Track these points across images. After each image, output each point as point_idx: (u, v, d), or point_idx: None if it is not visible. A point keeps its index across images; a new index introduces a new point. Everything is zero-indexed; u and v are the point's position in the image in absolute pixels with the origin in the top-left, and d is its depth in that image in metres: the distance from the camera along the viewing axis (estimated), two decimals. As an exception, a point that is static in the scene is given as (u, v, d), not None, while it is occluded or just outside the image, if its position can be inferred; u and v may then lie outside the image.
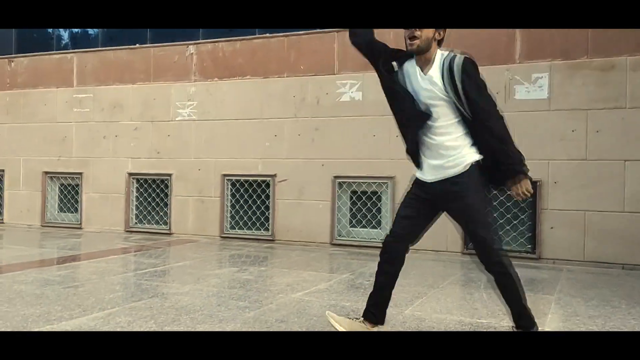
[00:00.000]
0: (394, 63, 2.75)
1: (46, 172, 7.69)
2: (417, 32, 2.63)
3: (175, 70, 7.06)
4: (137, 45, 7.32)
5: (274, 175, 6.55)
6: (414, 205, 2.74)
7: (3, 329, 2.76)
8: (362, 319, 2.75)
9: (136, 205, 7.30)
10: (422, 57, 2.67)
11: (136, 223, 7.26)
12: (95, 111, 7.45)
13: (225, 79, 6.82)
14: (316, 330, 2.89)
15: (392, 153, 5.96)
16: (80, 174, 7.50)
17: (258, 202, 6.70)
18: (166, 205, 7.11)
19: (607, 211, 5.25)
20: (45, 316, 3.02)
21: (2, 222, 7.88)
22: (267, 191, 6.62)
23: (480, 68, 2.73)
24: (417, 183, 2.77)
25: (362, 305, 2.90)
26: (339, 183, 6.31)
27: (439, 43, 2.75)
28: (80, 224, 7.46)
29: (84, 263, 4.88)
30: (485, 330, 3.03)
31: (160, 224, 7.13)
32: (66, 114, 7.59)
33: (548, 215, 5.46)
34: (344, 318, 2.76)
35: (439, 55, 2.70)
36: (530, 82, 5.53)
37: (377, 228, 6.18)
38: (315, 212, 6.33)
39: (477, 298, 3.81)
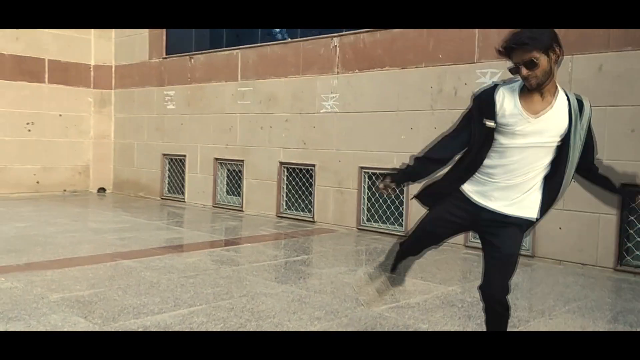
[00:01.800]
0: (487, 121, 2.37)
1: (216, 159, 8.59)
2: (532, 74, 2.21)
3: (320, 63, 7.24)
4: (289, 39, 7.66)
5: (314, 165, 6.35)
6: (449, 226, 2.56)
7: (97, 319, 3.23)
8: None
9: (286, 192, 7.76)
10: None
11: (286, 209, 7.73)
12: (254, 103, 8.05)
13: (365, 70, 6.78)
14: None
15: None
16: (242, 161, 8.21)
17: (393, 197, 6.59)
18: (310, 194, 7.42)
19: None
20: (139, 308, 3.45)
21: (184, 201, 9.06)
22: (402, 185, 6.46)
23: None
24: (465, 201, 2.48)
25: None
26: (476, 181, 5.86)
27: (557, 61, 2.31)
28: (242, 206, 8.20)
29: (216, 251, 5.39)
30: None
31: (305, 212, 7.48)
32: (232, 106, 8.34)
33: None
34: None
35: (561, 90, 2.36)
36: None
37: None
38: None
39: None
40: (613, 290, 4.41)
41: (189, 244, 5.60)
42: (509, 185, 2.39)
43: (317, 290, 4.06)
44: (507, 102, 2.33)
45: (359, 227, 6.83)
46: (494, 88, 2.39)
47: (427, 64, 6.22)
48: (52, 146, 9.82)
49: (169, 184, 9.50)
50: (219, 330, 3.12)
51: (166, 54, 9.41)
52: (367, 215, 6.86)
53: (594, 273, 4.91)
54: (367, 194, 6.85)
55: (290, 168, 7.69)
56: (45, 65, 9.71)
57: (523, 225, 2.44)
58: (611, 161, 4.95)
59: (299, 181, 7.62)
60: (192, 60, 8.97)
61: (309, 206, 7.45)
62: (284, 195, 7.78)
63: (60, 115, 9.92)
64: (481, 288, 2.48)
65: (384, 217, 6.69)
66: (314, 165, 7.33)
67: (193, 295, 3.79)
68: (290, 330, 3.18)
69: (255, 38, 8.18)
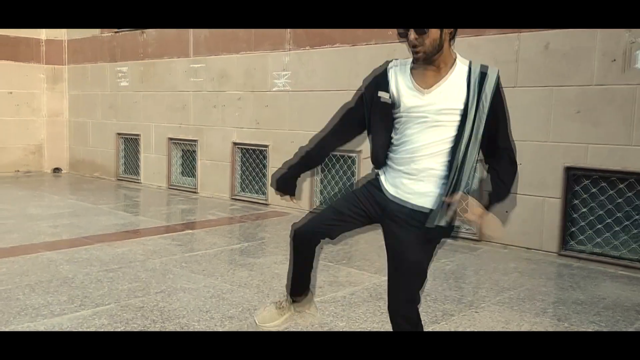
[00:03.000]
0: (382, 93, 2.17)
1: (170, 139, 8.30)
2: (419, 40, 2.01)
3: (272, 38, 6.93)
4: (240, 14, 7.31)
5: (360, 152, 6.15)
6: (356, 211, 2.25)
7: (-8, 322, 3.02)
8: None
9: (240, 174, 7.53)
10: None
11: (240, 191, 7.51)
12: (207, 80, 7.74)
13: (316, 47, 6.50)
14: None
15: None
16: (196, 141, 7.94)
17: (345, 179, 6.41)
18: (264, 175, 7.20)
19: None
20: (39, 310, 3.24)
21: (140, 182, 8.79)
22: (353, 168, 6.29)
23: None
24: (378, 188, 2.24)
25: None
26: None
27: (452, 36, 2.10)
28: (197, 188, 7.96)
29: (152, 239, 5.17)
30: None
31: (259, 194, 7.27)
32: (185, 83, 8.01)
33: (672, 219, 4.26)
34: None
35: (461, 60, 2.12)
36: (660, 46, 4.23)
37: (463, 216, 5.48)
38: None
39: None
40: (551, 278, 4.29)
41: (125, 232, 5.37)
42: (415, 172, 2.14)
43: (243, 283, 3.87)
44: (399, 77, 2.15)
45: (313, 210, 6.62)
46: (386, 65, 2.21)
47: (378, 40, 5.96)
48: (2, 125, 9.44)
49: (124, 164, 9.20)
50: (120, 332, 2.93)
51: (117, 28, 9.01)
52: (320, 197, 6.68)
53: (538, 258, 4.79)
54: (321, 175, 6.65)
55: (244, 149, 7.45)
56: (-8, 40, 9.26)
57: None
58: (556, 143, 4.83)
59: (252, 162, 7.39)
60: (144, 34, 8.59)
61: (263, 188, 7.24)
62: (238, 177, 7.55)
63: (10, 93, 9.52)
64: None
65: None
66: (267, 146, 7.09)
67: (105, 292, 3.58)
68: (197, 330, 3.00)
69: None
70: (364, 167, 6.10)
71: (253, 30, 7.10)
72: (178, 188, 8.21)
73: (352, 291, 3.79)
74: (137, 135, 8.78)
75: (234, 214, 6.60)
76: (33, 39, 9.70)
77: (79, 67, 9.76)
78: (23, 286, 3.63)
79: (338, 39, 6.28)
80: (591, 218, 4.68)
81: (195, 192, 7.94)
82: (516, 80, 4.99)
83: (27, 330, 2.93)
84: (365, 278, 4.09)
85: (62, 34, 9.91)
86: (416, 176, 2.13)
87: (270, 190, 7.02)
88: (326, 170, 6.59)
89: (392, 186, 2.19)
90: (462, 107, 2.06)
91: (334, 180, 6.52)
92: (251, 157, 7.38)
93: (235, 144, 7.46)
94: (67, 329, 2.95)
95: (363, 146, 6.13)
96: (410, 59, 2.15)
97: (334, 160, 6.49)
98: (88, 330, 2.96)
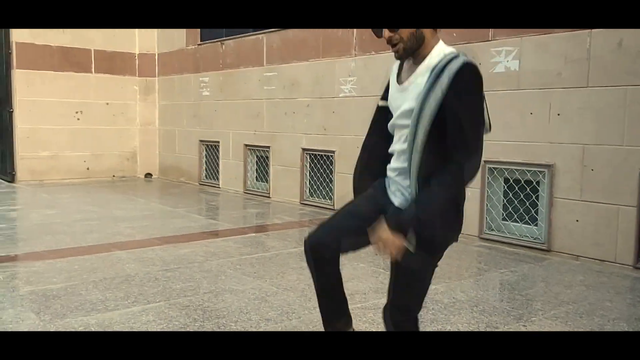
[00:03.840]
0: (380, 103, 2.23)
1: (246, 145, 8.62)
2: (395, 36, 1.96)
3: (339, 45, 7.00)
4: (310, 22, 7.45)
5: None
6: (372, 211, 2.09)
7: (48, 315, 3.31)
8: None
9: (309, 179, 7.65)
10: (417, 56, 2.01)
11: (309, 196, 7.63)
12: (279, 88, 7.95)
13: (380, 52, 6.47)
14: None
15: (552, 136, 4.90)
16: (269, 147, 8.18)
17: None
18: (331, 181, 7.26)
19: None
20: (95, 305, 3.51)
21: (219, 187, 9.19)
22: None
23: None
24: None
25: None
26: (490, 169, 5.46)
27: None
28: (269, 193, 8.19)
29: (215, 241, 5.40)
30: None
31: (327, 199, 7.34)
32: (259, 92, 8.29)
33: None
34: None
35: (437, 52, 1.99)
36: None
37: (530, 224, 5.19)
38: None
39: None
40: (620, 292, 3.95)
41: (193, 234, 5.65)
42: (402, 173, 2.08)
43: (289, 287, 3.94)
44: (392, 76, 2.14)
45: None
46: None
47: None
48: (100, 134, 10.28)
49: (206, 169, 9.67)
50: (159, 330, 3.10)
51: (201, 41, 9.51)
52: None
53: (610, 270, 4.44)
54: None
55: (312, 154, 7.56)
56: (91, 55, 10.13)
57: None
58: (631, 147, 4.45)
59: (320, 167, 7.48)
60: (224, 46, 9.00)
61: (330, 193, 7.30)
62: (307, 182, 7.68)
63: (107, 103, 10.35)
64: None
65: (400, 206, 6.42)
66: (333, 152, 7.16)
67: (159, 290, 3.80)
68: (233, 330, 3.10)
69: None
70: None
71: (321, 37, 7.21)
72: (253, 193, 8.49)
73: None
74: (217, 142, 9.20)
75: (300, 218, 6.72)
76: (128, 54, 10.48)
77: (167, 79, 10.41)
78: (88, 282, 3.94)
79: (402, 43, 6.21)
80: (671, 229, 4.26)
81: (268, 197, 8.17)
82: (587, 80, 4.67)
83: (80, 323, 3.19)
84: (413, 286, 4.00)
85: (153, 48, 10.62)
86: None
87: (336, 195, 7.07)
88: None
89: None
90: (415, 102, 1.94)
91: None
92: (319, 163, 7.48)
93: (304, 149, 7.59)
94: (116, 324, 3.17)
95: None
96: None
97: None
98: (134, 326, 3.16)
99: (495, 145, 5.32)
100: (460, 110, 1.88)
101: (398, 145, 2.08)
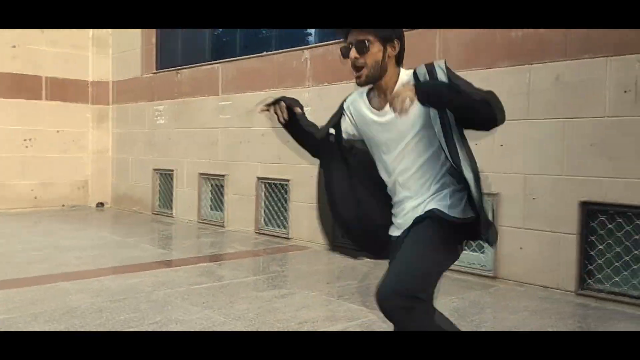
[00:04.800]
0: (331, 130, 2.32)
1: (201, 174, 8.55)
2: (360, 60, 2.06)
3: (293, 76, 7.10)
4: (265, 52, 7.56)
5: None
6: None
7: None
8: None
9: (264, 208, 7.63)
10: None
11: (264, 225, 7.60)
12: (234, 117, 7.97)
13: (334, 83, 6.60)
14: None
15: (496, 166, 5.06)
16: (224, 176, 8.14)
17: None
18: (286, 210, 7.26)
19: None
20: (37, 337, 3.37)
21: (173, 217, 9.05)
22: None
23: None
24: None
25: None
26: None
27: (398, 60, 2.14)
28: (224, 222, 8.11)
29: (164, 271, 5.30)
30: None
31: (282, 228, 7.33)
32: (214, 121, 8.28)
33: (693, 257, 3.98)
34: None
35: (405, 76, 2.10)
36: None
37: (478, 252, 5.32)
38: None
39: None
40: (563, 318, 4.06)
41: (143, 264, 5.53)
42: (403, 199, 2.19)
43: (237, 316, 3.89)
44: (357, 105, 2.20)
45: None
46: (344, 101, 2.30)
47: (392, 75, 5.99)
48: (51, 162, 10.00)
49: (159, 198, 9.52)
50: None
51: (156, 69, 9.47)
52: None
53: (555, 297, 4.57)
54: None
55: (267, 183, 7.57)
56: (42, 82, 9.92)
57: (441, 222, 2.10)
58: (571, 177, 4.65)
59: (275, 196, 7.48)
60: (179, 74, 8.99)
61: (285, 222, 7.30)
62: (263, 211, 7.65)
63: (57, 131, 10.11)
64: None
65: (354, 234, 6.46)
66: (288, 180, 7.18)
67: (103, 322, 3.69)
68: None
69: (234, 51, 8.12)
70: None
71: (277, 68, 7.31)
72: (207, 222, 8.39)
73: (345, 326, 3.73)
74: (172, 170, 9.10)
75: (254, 247, 6.67)
76: (81, 81, 10.32)
77: (122, 107, 10.28)
78: (27, 315, 3.79)
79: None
80: (609, 255, 4.44)
81: (222, 226, 8.08)
82: (528, 112, 4.88)
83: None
84: (362, 314, 4.02)
85: (107, 76, 10.50)
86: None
87: (292, 224, 7.07)
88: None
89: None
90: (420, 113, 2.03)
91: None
92: (274, 192, 7.48)
93: (259, 178, 7.59)
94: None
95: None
96: (366, 87, 2.17)
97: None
98: (72, 358, 3.05)
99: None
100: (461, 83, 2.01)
101: (406, 173, 2.13)
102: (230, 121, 8.02)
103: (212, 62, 8.36)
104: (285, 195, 7.27)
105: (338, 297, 4.47)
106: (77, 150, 10.35)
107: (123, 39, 10.13)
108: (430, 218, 2.08)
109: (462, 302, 4.43)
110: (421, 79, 2.01)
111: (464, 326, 3.83)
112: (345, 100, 2.30)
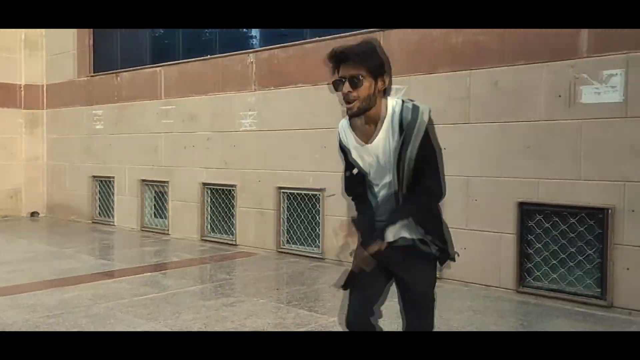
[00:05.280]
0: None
1: (143, 180, 8.30)
2: (353, 94, 2.11)
3: (238, 79, 7.02)
4: (209, 56, 7.43)
5: (323, 190, 6.14)
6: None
7: None
8: None
9: (209, 214, 7.50)
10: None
11: (210, 232, 7.46)
12: (177, 122, 7.79)
13: (280, 87, 6.57)
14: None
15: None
16: (167, 182, 7.93)
17: (310, 217, 6.37)
18: (233, 216, 7.16)
19: None
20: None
21: (114, 225, 8.73)
22: (318, 206, 6.25)
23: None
24: None
25: None
26: (385, 200, 5.67)
27: (385, 92, 2.21)
28: (168, 229, 7.91)
29: (105, 283, 5.10)
30: None
31: (228, 234, 7.21)
32: (157, 125, 8.06)
33: (622, 252, 4.21)
34: None
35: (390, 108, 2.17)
36: (601, 82, 4.28)
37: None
38: (362, 231, 5.78)
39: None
40: (504, 316, 4.20)
41: (82, 276, 5.29)
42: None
43: (184, 327, 3.79)
44: (347, 135, 2.25)
45: (279, 250, 6.58)
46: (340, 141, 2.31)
47: (337, 80, 6.02)
48: (-22, 170, 9.45)
49: (99, 206, 9.17)
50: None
51: (93, 72, 9.14)
52: (286, 237, 6.61)
53: (496, 295, 4.71)
54: (286, 214, 6.61)
55: (213, 189, 7.44)
56: (-31, 86, 9.37)
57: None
58: (509, 178, 4.82)
59: (221, 202, 7.36)
60: (119, 78, 8.70)
61: (231, 228, 7.19)
62: (208, 218, 7.51)
63: (-14, 138, 9.56)
64: None
65: (302, 239, 6.45)
66: (234, 186, 7.08)
67: (39, 339, 3.49)
68: None
69: (176, 54, 7.94)
70: (328, 205, 6.09)
71: (220, 72, 7.20)
72: (150, 230, 8.15)
73: (294, 334, 3.70)
74: (111, 177, 8.79)
75: (200, 255, 6.53)
76: (11, 85, 9.81)
77: (56, 112, 9.85)
78: (-45, 335, 3.54)
79: (300, 79, 6.36)
80: (546, 254, 4.63)
81: (166, 234, 7.88)
82: (468, 116, 5.03)
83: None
84: (313, 319, 4.01)
85: (40, 79, 10.03)
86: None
87: (238, 230, 6.98)
88: (292, 209, 6.55)
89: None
90: (397, 147, 2.13)
91: (300, 219, 6.47)
92: (220, 197, 7.36)
93: (204, 184, 7.45)
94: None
95: (326, 183, 6.17)
96: (344, 119, 2.26)
97: (299, 198, 6.46)
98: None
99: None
100: (432, 152, 2.21)
101: (383, 191, 2.24)
102: (173, 126, 7.84)
103: (153, 65, 8.15)
104: (232, 201, 7.17)
105: (287, 303, 4.44)
106: (8, 157, 9.82)
107: (56, 41, 9.71)
108: None
109: (409, 303, 4.48)
110: (396, 119, 2.14)
111: (411, 328, 3.88)
112: (339, 128, 2.31)
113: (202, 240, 7.39)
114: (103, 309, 4.20)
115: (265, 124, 6.74)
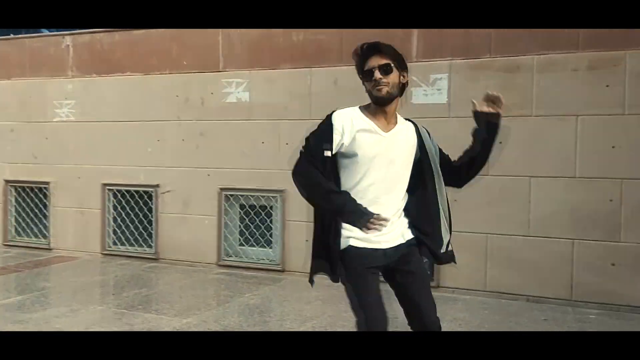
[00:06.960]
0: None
1: None
2: (384, 80, 2.20)
3: (51, 64, 6.24)
4: (12, 35, 6.48)
5: (157, 186, 5.79)
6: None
7: None
8: None
9: (15, 216, 6.54)
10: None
11: (15, 236, 6.51)
12: (-30, 109, 6.62)
13: (104, 75, 6.01)
14: None
15: (282, 163, 5.24)
16: (-43, 179, 6.70)
17: (141, 216, 5.96)
18: (45, 217, 6.35)
19: (511, 235, 4.57)
20: None
21: None
22: (150, 203, 5.87)
23: None
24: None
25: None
26: (226, 196, 5.57)
27: (402, 90, 2.30)
28: (-41, 235, 6.68)
29: None
30: None
31: (40, 238, 6.38)
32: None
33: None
34: None
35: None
36: (429, 84, 4.78)
37: (266, 247, 5.47)
38: (201, 228, 5.60)
39: None
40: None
41: None
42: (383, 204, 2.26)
43: (12, 346, 3.24)
44: (353, 121, 2.25)
45: (105, 252, 6.02)
46: (329, 117, 2.30)
47: (172, 70, 5.73)
48: None
49: None
50: None
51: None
52: (113, 238, 6.08)
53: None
54: (113, 214, 6.07)
55: (20, 187, 6.50)
56: None
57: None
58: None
59: (30, 202, 6.47)
60: None
61: (44, 231, 6.37)
62: (12, 220, 6.54)
63: None
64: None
65: (131, 239, 6.00)
66: (48, 183, 6.28)
67: None
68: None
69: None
70: (163, 202, 5.76)
71: (29, 54, 6.33)
72: None
73: (148, 339, 3.43)
74: None
75: (6, 262, 5.65)
76: None
77: None
78: None
79: (128, 67, 5.90)
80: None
81: (-43, 240, 6.66)
82: (310, 113, 5.18)
83: None
84: (164, 322, 3.76)
85: None
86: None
87: (53, 232, 6.22)
88: (119, 207, 6.05)
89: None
90: (415, 149, 2.35)
91: (129, 218, 6.01)
92: (28, 197, 6.47)
93: (7, 181, 6.47)
94: None
95: (161, 179, 5.82)
96: (355, 107, 2.32)
97: (128, 196, 6.00)
98: None
99: (232, 173, 5.46)
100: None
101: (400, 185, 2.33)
102: (-36, 113, 6.65)
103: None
104: (45, 201, 6.35)
105: (130, 308, 4.09)
106: None
107: None
108: None
109: (258, 298, 4.49)
110: (423, 134, 2.38)
111: (268, 322, 3.89)
112: (331, 117, 2.30)
113: (6, 245, 6.42)
114: None
115: (86, 115, 6.10)
